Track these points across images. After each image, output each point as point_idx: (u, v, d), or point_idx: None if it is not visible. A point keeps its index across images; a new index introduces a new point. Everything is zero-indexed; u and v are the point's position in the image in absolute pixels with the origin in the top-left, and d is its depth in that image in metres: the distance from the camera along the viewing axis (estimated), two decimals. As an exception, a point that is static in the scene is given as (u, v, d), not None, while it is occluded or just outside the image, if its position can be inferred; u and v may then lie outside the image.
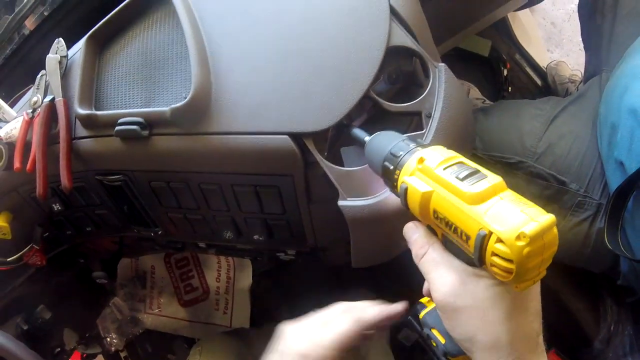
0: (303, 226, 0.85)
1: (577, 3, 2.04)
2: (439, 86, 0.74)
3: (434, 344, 0.61)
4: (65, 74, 0.90)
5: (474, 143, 1.13)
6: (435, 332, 0.61)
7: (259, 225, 0.86)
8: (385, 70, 0.76)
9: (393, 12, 0.75)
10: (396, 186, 0.57)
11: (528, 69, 2.08)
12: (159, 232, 0.97)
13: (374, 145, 0.64)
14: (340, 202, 0.72)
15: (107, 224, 1.02)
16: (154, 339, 1.76)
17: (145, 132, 0.78)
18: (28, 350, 0.91)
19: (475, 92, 1.92)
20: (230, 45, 0.78)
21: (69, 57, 0.91)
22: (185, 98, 0.75)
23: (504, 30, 2.07)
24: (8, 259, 1.09)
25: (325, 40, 0.75)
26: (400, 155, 0.57)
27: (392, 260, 0.86)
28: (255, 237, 0.88)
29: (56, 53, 0.92)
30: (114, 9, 0.91)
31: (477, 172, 0.48)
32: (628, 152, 0.91)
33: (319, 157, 0.72)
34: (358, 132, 0.71)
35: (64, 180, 0.85)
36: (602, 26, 1.30)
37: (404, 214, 0.71)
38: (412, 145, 0.57)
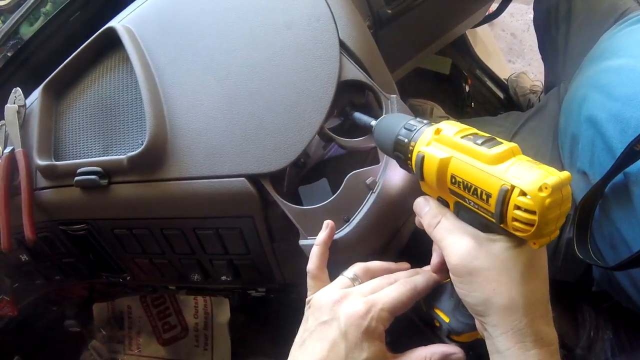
0: (269, 264, 0.85)
1: (533, 15, 2.08)
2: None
3: (438, 324, 0.63)
4: (24, 124, 0.90)
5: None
6: (438, 312, 0.63)
7: (225, 266, 0.86)
8: (338, 105, 0.77)
9: (343, 46, 0.76)
10: (410, 158, 0.58)
11: (489, 83, 2.12)
12: (127, 278, 0.96)
13: (385, 124, 0.65)
14: (302, 242, 0.72)
15: (76, 272, 1.01)
16: (134, 380, 1.72)
17: (104, 182, 0.78)
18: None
19: (438, 110, 1.94)
20: (183, 90, 0.79)
21: (27, 106, 0.91)
22: (142, 145, 0.75)
23: (463, 47, 2.11)
24: (-23, 312, 1.08)
25: (275, 80, 0.76)
26: (415, 128, 0.58)
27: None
28: (223, 277, 0.88)
29: (14, 103, 0.92)
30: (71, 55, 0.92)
31: (492, 139, 0.52)
32: (590, 161, 0.92)
33: (277, 198, 0.73)
34: (361, 116, 0.74)
35: (27, 232, 0.84)
36: (557, 38, 1.32)
37: (363, 248, 0.73)
38: (425, 121, 0.60)
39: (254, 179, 0.73)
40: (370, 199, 0.71)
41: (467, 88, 2.04)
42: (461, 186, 0.51)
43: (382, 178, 0.72)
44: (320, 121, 0.73)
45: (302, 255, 0.73)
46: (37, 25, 1.19)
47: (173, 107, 0.78)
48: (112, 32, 0.84)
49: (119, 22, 0.86)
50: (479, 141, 0.51)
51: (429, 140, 0.56)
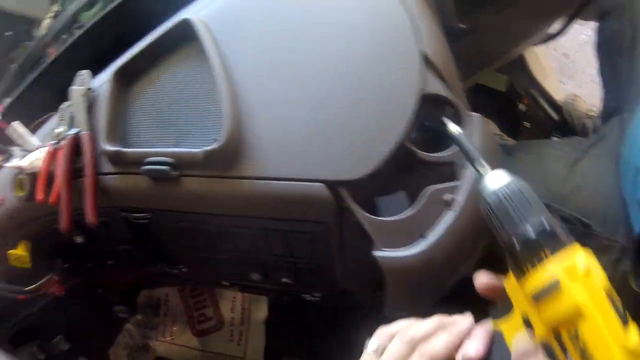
0: (333, 271, 0.83)
1: (589, 34, 2.02)
2: (474, 137, 0.73)
3: None
4: (89, 107, 0.90)
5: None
6: None
7: (288, 268, 0.84)
8: (418, 118, 0.74)
9: (426, 59, 0.74)
10: (527, 266, 0.47)
11: (545, 104, 2.05)
12: (183, 270, 0.95)
13: (513, 191, 0.50)
14: (376, 253, 0.70)
15: (130, 259, 1.00)
16: (165, 367, 1.73)
17: (175, 173, 0.76)
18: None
19: (494, 127, 1.90)
20: (260, 88, 0.77)
21: (93, 90, 0.90)
22: (215, 140, 0.74)
23: (519, 64, 2.05)
24: (26, 289, 1.08)
25: (357, 86, 0.73)
26: (561, 240, 0.46)
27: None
28: (283, 279, 0.86)
29: (81, 85, 0.91)
30: (139, 42, 0.91)
31: (626, 316, 0.44)
32: None
33: (354, 206, 0.70)
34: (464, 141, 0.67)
35: (89, 216, 0.83)
36: (621, 64, 1.28)
37: (444, 266, 0.71)
38: (570, 237, 0.48)
39: (332, 185, 0.71)
40: (448, 218, 0.69)
41: (522, 107, 1.98)
42: (576, 344, 0.44)
43: (462, 197, 0.70)
44: (402, 133, 0.71)
45: (370, 264, 0.72)
46: (94, 10, 1.19)
47: (250, 105, 0.76)
48: (188, 24, 0.83)
49: (193, 14, 0.85)
50: (619, 312, 0.43)
51: (578, 275, 0.44)
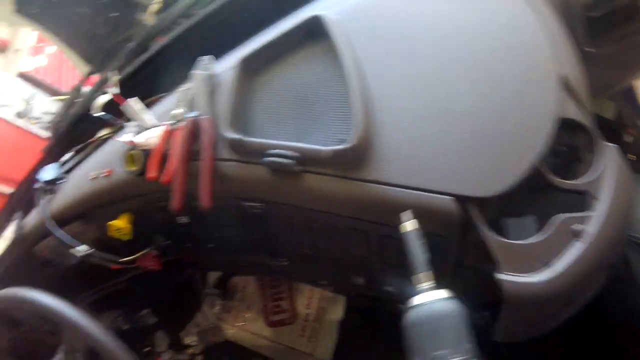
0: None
1: None
2: (610, 169, 0.70)
3: None
4: (211, 92, 0.90)
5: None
6: None
7: (395, 277, 0.82)
8: (552, 142, 0.71)
9: (564, 82, 0.71)
10: None
11: (652, 136, 1.95)
12: (284, 264, 0.95)
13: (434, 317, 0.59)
14: (500, 276, 0.67)
15: (231, 245, 1.01)
16: (233, 350, 1.75)
17: (299, 168, 0.76)
18: (129, 355, 0.90)
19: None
20: (392, 93, 0.76)
21: (215, 75, 0.91)
22: (341, 140, 0.73)
23: (628, 94, 1.96)
24: (121, 259, 1.11)
25: (492, 102, 0.72)
26: None
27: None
28: (387, 288, 0.85)
29: (204, 70, 0.93)
30: (264, 33, 0.91)
31: None
32: None
33: (482, 226, 0.68)
34: None
35: (204, 200, 0.84)
36: None
37: (566, 297, 0.67)
38: None
39: (462, 200, 0.69)
40: (576, 249, 0.67)
41: (628, 138, 1.89)
42: None
43: (593, 229, 0.67)
44: (537, 155, 0.69)
45: (481, 285, 0.69)
46: None
47: (381, 108, 0.75)
48: (319, 21, 0.82)
49: (323, 11, 0.84)
50: None
51: None
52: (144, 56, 1.19)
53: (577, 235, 0.67)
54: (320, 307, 1.63)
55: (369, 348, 1.58)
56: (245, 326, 1.72)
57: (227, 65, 0.92)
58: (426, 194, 0.69)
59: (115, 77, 1.06)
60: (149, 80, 1.19)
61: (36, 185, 1.18)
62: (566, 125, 0.73)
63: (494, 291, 0.79)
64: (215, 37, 1.10)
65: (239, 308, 1.72)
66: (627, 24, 1.07)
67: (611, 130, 1.92)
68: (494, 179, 0.68)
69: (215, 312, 1.72)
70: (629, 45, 1.10)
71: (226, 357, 1.75)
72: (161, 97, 1.09)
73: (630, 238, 1.07)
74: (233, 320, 1.73)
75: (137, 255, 1.11)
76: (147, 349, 1.44)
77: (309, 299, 1.64)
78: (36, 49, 3.26)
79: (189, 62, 0.97)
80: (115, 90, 0.98)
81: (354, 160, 0.73)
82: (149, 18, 1.87)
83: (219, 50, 1.00)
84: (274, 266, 0.99)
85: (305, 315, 1.64)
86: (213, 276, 1.64)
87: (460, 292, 0.81)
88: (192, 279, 1.34)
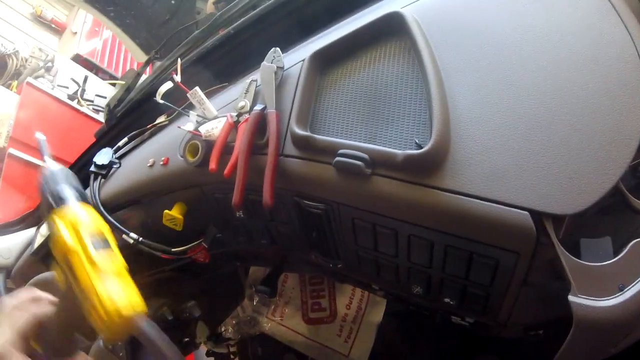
0: (503, 302, 0.78)
1: None
2: None
3: None
4: (279, 86, 0.89)
5: None
6: None
7: (455, 289, 0.80)
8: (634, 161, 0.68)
9: None
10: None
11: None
12: (339, 265, 0.94)
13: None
14: (572, 298, 0.64)
15: (285, 242, 1.00)
16: (267, 344, 1.75)
17: (369, 171, 0.74)
18: (173, 347, 0.89)
19: None
20: (472, 99, 0.73)
21: (285, 68, 0.90)
22: (418, 144, 0.71)
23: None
24: (173, 250, 1.11)
25: (576, 116, 0.68)
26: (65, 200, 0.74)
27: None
28: (446, 299, 0.83)
29: (272, 62, 0.91)
30: (337, 27, 0.89)
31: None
32: None
33: (556, 243, 0.65)
34: None
35: (266, 196, 0.83)
36: None
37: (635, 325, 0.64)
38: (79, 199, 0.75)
39: (538, 216, 0.66)
40: None
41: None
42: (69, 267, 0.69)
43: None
44: (619, 174, 0.65)
45: (544, 305, 0.67)
46: None
47: (460, 114, 0.72)
48: (398, 17, 0.80)
49: (403, 7, 0.82)
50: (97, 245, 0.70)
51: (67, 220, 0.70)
52: (209, 44, 1.19)
53: (657, 260, 0.64)
54: (360, 308, 1.61)
55: (405, 355, 1.56)
56: (282, 321, 1.71)
57: (297, 59, 0.90)
58: (501, 206, 0.67)
59: (179, 64, 1.06)
60: (212, 69, 1.19)
61: (90, 169, 1.20)
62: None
63: (554, 311, 0.76)
64: (284, 28, 1.09)
65: (277, 302, 1.72)
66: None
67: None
68: (573, 196, 0.65)
69: (253, 305, 1.73)
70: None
71: (259, 349, 1.75)
72: (222, 87, 1.08)
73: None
74: (271, 314, 1.73)
75: (189, 245, 1.11)
76: (186, 339, 1.45)
77: (349, 299, 1.63)
78: (92, 33, 3.34)
79: (256, 53, 0.96)
80: (178, 78, 0.98)
81: (428, 166, 0.71)
82: (209, 8, 1.89)
83: (287, 42, 0.99)
84: (327, 267, 0.98)
85: (344, 315, 1.63)
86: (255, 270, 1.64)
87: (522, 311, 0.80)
88: (236, 272, 1.33)
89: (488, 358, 1.33)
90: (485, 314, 0.83)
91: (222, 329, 1.70)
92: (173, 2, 1.99)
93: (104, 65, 3.26)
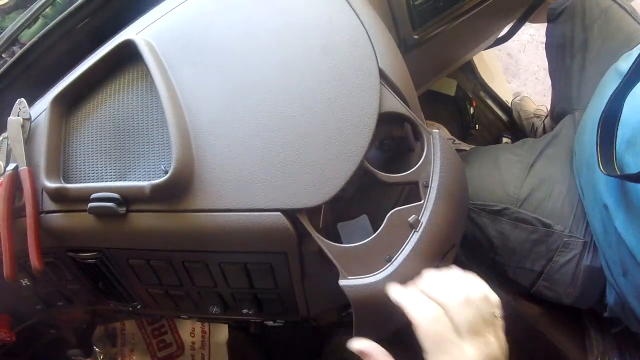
0: (296, 299, 0.80)
1: (532, 33, 2.07)
2: (435, 154, 0.72)
3: None
4: (29, 139, 0.83)
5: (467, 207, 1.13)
6: None
7: (248, 299, 0.81)
8: (377, 137, 0.73)
9: (382, 76, 0.72)
10: None
11: (493, 106, 2.12)
12: (138, 307, 0.90)
13: None
14: (342, 282, 0.67)
15: (80, 299, 0.94)
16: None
17: (122, 210, 0.71)
18: None
19: (445, 132, 1.92)
20: (210, 115, 0.73)
21: (32, 119, 0.84)
22: (165, 170, 0.70)
23: (467, 68, 2.10)
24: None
25: (312, 108, 0.71)
26: None
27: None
28: (244, 310, 0.83)
29: (18, 115, 0.85)
30: (79, 64, 0.85)
31: None
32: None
33: (315, 235, 0.68)
34: None
35: (34, 261, 0.76)
36: (572, 66, 1.33)
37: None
38: None
39: (290, 213, 0.68)
40: (413, 239, 0.68)
41: (471, 110, 2.03)
42: None
43: (425, 217, 0.68)
44: (361, 155, 0.69)
45: (332, 291, 0.69)
46: (36, 27, 1.11)
47: (199, 133, 0.72)
48: (131, 44, 0.78)
49: (137, 34, 0.80)
50: None
51: None
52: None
53: (412, 226, 0.69)
54: (204, 332, 1.59)
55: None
56: (134, 369, 1.63)
57: (43, 106, 0.84)
58: (254, 213, 0.68)
59: None
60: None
61: None
62: (390, 119, 0.74)
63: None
64: (33, 76, 1.02)
65: (122, 353, 1.63)
66: (452, 8, 1.13)
67: (455, 106, 2.06)
68: (319, 187, 0.68)
69: (99, 363, 1.63)
70: (457, 27, 1.16)
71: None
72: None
73: (477, 207, 1.14)
74: (121, 366, 1.64)
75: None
76: None
77: (191, 326, 1.59)
78: None
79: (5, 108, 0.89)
80: None
81: (176, 191, 0.70)
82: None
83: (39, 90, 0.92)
84: (130, 311, 0.94)
85: (192, 344, 1.59)
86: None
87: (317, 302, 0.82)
88: (59, 337, 1.23)
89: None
90: (288, 314, 0.84)
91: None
92: None
93: None
